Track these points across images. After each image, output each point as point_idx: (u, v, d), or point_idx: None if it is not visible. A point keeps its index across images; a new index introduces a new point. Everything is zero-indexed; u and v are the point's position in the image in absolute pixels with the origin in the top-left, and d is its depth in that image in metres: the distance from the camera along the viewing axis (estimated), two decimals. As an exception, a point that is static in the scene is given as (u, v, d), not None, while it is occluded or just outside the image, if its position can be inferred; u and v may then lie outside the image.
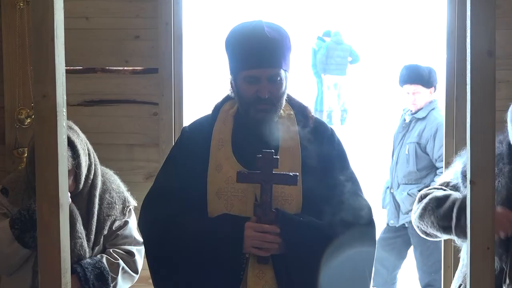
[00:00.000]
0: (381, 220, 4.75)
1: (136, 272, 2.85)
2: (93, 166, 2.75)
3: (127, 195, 2.89)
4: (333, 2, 14.76)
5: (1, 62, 3.48)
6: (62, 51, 1.86)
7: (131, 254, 2.82)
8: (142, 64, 3.50)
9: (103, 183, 2.81)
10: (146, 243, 2.34)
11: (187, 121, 3.40)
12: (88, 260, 2.69)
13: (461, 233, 2.38)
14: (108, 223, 2.78)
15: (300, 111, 2.34)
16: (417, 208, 2.59)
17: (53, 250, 1.85)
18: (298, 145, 2.26)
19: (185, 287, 2.21)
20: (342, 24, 13.05)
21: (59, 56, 1.83)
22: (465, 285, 2.52)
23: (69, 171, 2.41)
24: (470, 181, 1.78)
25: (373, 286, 4.71)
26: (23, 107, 3.47)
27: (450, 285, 2.77)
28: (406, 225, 4.56)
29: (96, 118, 3.51)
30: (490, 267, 1.78)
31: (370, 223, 2.26)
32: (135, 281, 2.90)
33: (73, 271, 2.47)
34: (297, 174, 2.17)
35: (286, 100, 2.31)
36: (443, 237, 2.55)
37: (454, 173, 2.58)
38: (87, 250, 2.70)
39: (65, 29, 1.87)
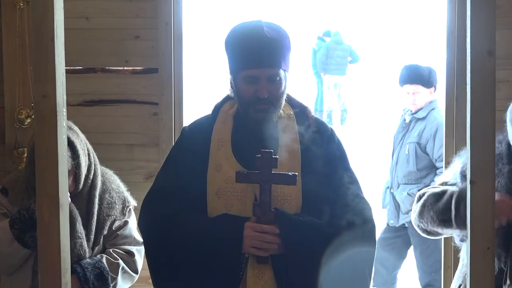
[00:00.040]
0: (381, 220, 4.75)
1: (136, 272, 2.85)
2: (92, 166, 2.75)
3: (127, 195, 2.89)
4: (333, 2, 14.76)
5: (1, 62, 3.48)
6: (62, 51, 1.86)
7: (131, 254, 2.82)
8: (142, 64, 3.50)
9: (103, 183, 2.81)
10: (146, 243, 2.34)
11: (187, 121, 3.40)
12: (88, 260, 2.69)
13: (462, 224, 2.37)
14: (108, 223, 2.78)
15: (300, 111, 2.34)
16: (416, 207, 2.59)
17: (53, 250, 1.85)
18: (298, 145, 2.26)
19: (185, 286, 2.21)
20: (342, 24, 13.05)
21: (59, 56, 1.84)
22: (465, 285, 2.52)
23: (68, 171, 2.41)
24: (470, 181, 1.78)
25: (373, 286, 4.71)
26: (23, 107, 3.47)
27: (450, 285, 2.77)
28: (406, 225, 4.56)
29: (96, 118, 3.51)
30: (490, 267, 1.78)
31: (370, 223, 2.26)
32: (135, 281, 2.90)
33: (73, 271, 2.47)
34: (296, 174, 2.17)
35: (286, 100, 2.31)
36: (444, 232, 2.53)
37: (454, 173, 2.58)
38: (87, 250, 2.70)
39: (65, 29, 1.87)
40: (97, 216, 2.75)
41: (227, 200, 2.21)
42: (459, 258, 2.74)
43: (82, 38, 3.46)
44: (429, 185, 3.71)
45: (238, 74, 2.23)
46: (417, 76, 4.58)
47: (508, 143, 2.46)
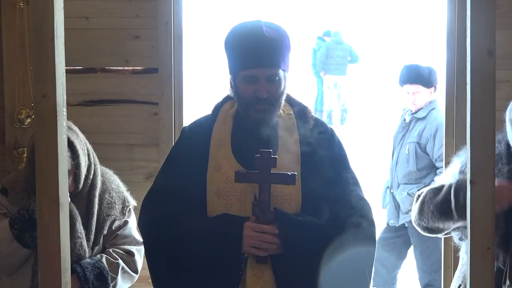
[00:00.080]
0: (381, 220, 4.76)
1: (136, 272, 2.85)
2: (92, 166, 2.75)
3: (127, 195, 2.89)
4: (333, 2, 14.76)
5: (1, 62, 3.48)
6: (62, 51, 1.85)
7: (130, 254, 2.82)
8: (142, 64, 3.50)
9: (103, 183, 2.81)
10: (145, 243, 2.34)
11: (187, 121, 3.40)
12: (88, 260, 2.69)
13: (462, 213, 2.35)
14: (108, 223, 2.78)
15: (300, 111, 2.34)
16: (416, 205, 2.59)
17: (53, 250, 1.85)
18: (298, 144, 2.26)
19: (184, 286, 2.21)
20: (342, 24, 13.06)
21: (59, 56, 1.83)
22: (465, 285, 2.52)
23: (68, 171, 2.41)
24: (470, 181, 1.78)
25: (373, 286, 4.71)
26: (23, 107, 3.47)
27: (450, 285, 2.77)
28: (406, 225, 4.56)
29: (96, 118, 3.51)
30: (490, 267, 1.78)
31: (370, 223, 2.26)
32: (135, 281, 2.90)
33: (73, 271, 2.47)
34: (295, 173, 2.17)
35: (286, 100, 2.31)
36: (445, 227, 2.50)
37: (453, 174, 2.58)
38: (86, 250, 2.70)
39: (65, 29, 1.87)
40: (97, 216, 2.75)
41: (227, 200, 2.21)
42: (459, 257, 2.73)
43: (82, 38, 3.46)
44: (429, 185, 3.71)
45: (238, 74, 2.23)
46: (417, 76, 4.58)
47: (507, 143, 2.46)
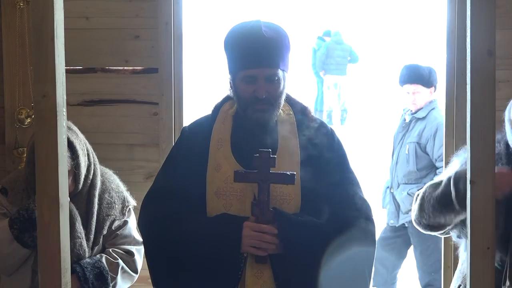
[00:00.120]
0: (381, 220, 4.76)
1: (135, 271, 2.85)
2: (92, 166, 2.75)
3: (127, 195, 2.89)
4: (333, 2, 14.76)
5: (1, 62, 3.48)
6: (62, 51, 1.85)
7: (130, 253, 2.82)
8: (142, 64, 3.50)
9: (103, 183, 2.81)
10: (145, 243, 2.34)
11: (187, 121, 3.40)
12: (88, 259, 2.69)
13: (464, 203, 2.34)
14: (108, 223, 2.78)
15: (300, 111, 2.34)
16: (416, 204, 2.58)
17: (53, 250, 1.85)
18: (297, 144, 2.26)
19: (184, 286, 2.21)
20: (342, 24, 13.05)
21: (59, 56, 1.84)
22: (465, 286, 2.52)
23: (68, 171, 2.41)
24: (470, 181, 1.78)
25: (373, 286, 4.71)
26: (23, 107, 3.47)
27: (450, 285, 2.76)
28: (406, 225, 4.56)
29: (96, 118, 3.51)
30: (490, 267, 1.78)
31: (370, 223, 2.26)
32: (135, 280, 2.90)
33: (73, 271, 2.47)
34: (295, 173, 2.17)
35: (286, 100, 2.31)
36: (447, 221, 2.47)
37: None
38: (86, 249, 2.70)
39: (65, 29, 1.87)
40: (97, 216, 2.75)
41: (226, 200, 2.21)
42: (457, 255, 2.73)
43: (82, 38, 3.46)
44: (429, 185, 3.70)
45: (237, 74, 2.23)
46: (417, 76, 4.59)
47: (507, 143, 2.46)
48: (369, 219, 2.26)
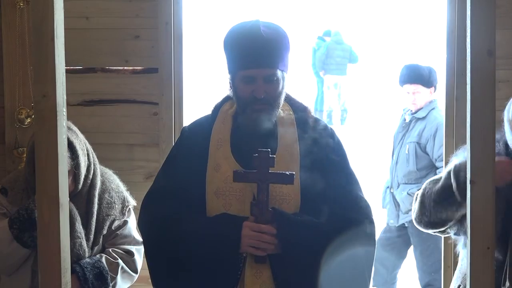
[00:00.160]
0: (381, 220, 4.76)
1: (135, 271, 2.85)
2: (92, 166, 2.75)
3: (127, 194, 2.89)
4: (333, 2, 14.76)
5: (1, 62, 3.48)
6: (62, 51, 1.86)
7: (130, 253, 2.82)
8: (142, 64, 3.50)
9: (102, 183, 2.81)
10: (145, 243, 2.34)
11: (187, 121, 3.40)
12: (87, 259, 2.69)
13: (466, 194, 2.35)
14: (108, 223, 2.78)
15: (299, 111, 2.34)
16: (416, 203, 2.57)
17: (53, 250, 1.85)
18: (297, 144, 2.26)
19: (183, 286, 2.21)
20: (342, 24, 13.05)
21: (59, 56, 1.84)
22: (464, 286, 2.52)
23: (68, 171, 2.41)
24: (470, 181, 1.78)
25: (373, 286, 4.71)
26: (23, 107, 3.47)
27: (450, 285, 2.76)
28: (406, 225, 4.56)
29: (96, 118, 3.51)
30: (490, 267, 1.78)
31: (370, 223, 2.25)
32: (135, 280, 2.90)
33: (72, 271, 2.46)
34: (294, 173, 2.16)
35: (285, 100, 2.31)
36: (449, 216, 2.47)
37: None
38: (86, 249, 2.70)
39: (65, 29, 1.87)
40: (97, 215, 2.75)
41: (226, 200, 2.21)
42: (457, 253, 2.72)
43: (82, 38, 3.46)
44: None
45: (236, 74, 2.23)
46: (417, 76, 4.59)
47: (506, 142, 2.46)
48: (369, 219, 2.26)
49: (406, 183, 4.51)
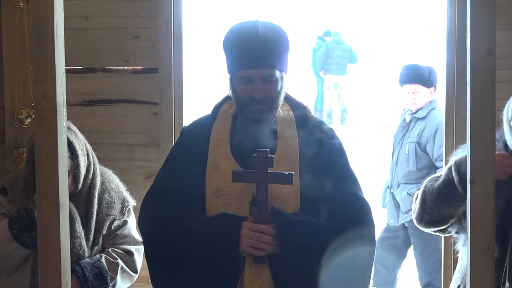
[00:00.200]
0: (381, 220, 4.76)
1: (135, 271, 2.85)
2: (92, 166, 2.75)
3: (126, 194, 2.89)
4: (333, 2, 14.76)
5: (1, 62, 3.48)
6: (62, 51, 1.86)
7: (130, 253, 2.82)
8: (142, 64, 3.50)
9: (102, 183, 2.81)
10: (145, 243, 2.34)
11: (187, 121, 3.41)
12: (87, 259, 2.69)
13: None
14: (107, 223, 2.79)
15: (299, 111, 2.34)
16: (416, 202, 2.57)
17: (53, 250, 1.85)
18: (296, 144, 2.26)
19: (183, 286, 2.21)
20: (342, 24, 13.06)
21: (59, 56, 1.84)
22: (464, 286, 2.51)
23: (67, 171, 2.41)
24: (470, 181, 1.78)
25: (373, 286, 4.71)
26: (23, 107, 3.47)
27: (450, 285, 2.76)
28: (406, 225, 4.56)
29: (96, 118, 3.52)
30: (490, 267, 1.78)
31: (370, 223, 2.25)
32: (135, 280, 2.90)
33: (72, 271, 2.46)
34: (293, 173, 2.16)
35: (285, 100, 2.31)
36: (451, 211, 2.46)
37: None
38: (86, 249, 2.70)
39: (65, 29, 1.87)
40: (96, 215, 2.75)
41: (226, 200, 2.21)
42: (457, 251, 2.72)
43: (82, 38, 3.46)
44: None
45: (234, 74, 2.23)
46: (417, 76, 4.59)
47: (505, 142, 2.46)
48: (368, 219, 2.26)
49: (406, 183, 4.51)
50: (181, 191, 2.23)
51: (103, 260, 2.74)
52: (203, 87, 8.75)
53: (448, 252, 3.45)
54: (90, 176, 2.75)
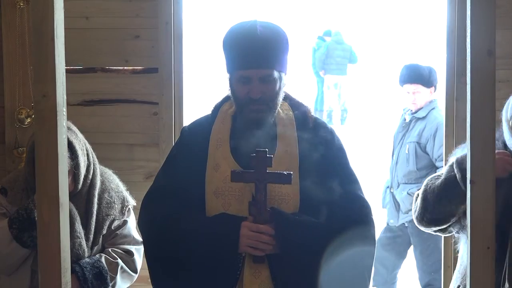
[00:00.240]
0: (381, 220, 4.76)
1: (135, 271, 2.85)
2: (91, 166, 2.75)
3: (126, 194, 2.89)
4: (333, 2, 14.76)
5: (1, 62, 3.48)
6: (62, 51, 1.86)
7: (130, 253, 2.82)
8: (142, 64, 3.50)
9: (102, 182, 2.81)
10: (145, 242, 2.34)
11: (187, 121, 3.41)
12: (87, 259, 2.69)
13: None
14: (107, 223, 2.79)
15: (299, 110, 2.34)
16: (417, 202, 2.57)
17: (53, 250, 1.85)
18: (296, 144, 2.26)
19: (183, 285, 2.21)
20: (342, 24, 13.06)
21: (59, 56, 1.84)
22: (464, 286, 2.51)
23: (67, 171, 2.41)
24: (470, 181, 1.78)
25: (373, 286, 4.71)
26: (23, 107, 3.47)
27: (449, 285, 2.76)
28: (406, 225, 4.56)
29: (96, 118, 3.52)
30: (490, 267, 1.78)
31: (370, 222, 2.25)
32: (134, 280, 2.90)
33: (72, 271, 2.46)
34: (291, 172, 2.16)
35: (285, 99, 2.31)
36: (453, 209, 2.45)
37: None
38: (85, 249, 2.70)
39: (65, 29, 1.87)
40: (96, 215, 2.75)
41: (225, 200, 2.21)
42: (458, 252, 2.72)
43: (82, 38, 3.46)
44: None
45: (233, 74, 2.23)
46: (417, 76, 4.59)
47: (504, 142, 2.47)
48: (368, 219, 2.25)
49: (406, 183, 4.51)
50: (181, 191, 2.23)
51: (103, 260, 2.74)
52: (203, 87, 8.74)
53: (448, 252, 3.45)
54: (90, 176, 2.75)
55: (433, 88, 4.62)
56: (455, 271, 2.68)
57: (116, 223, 2.82)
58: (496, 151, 2.26)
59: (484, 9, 1.74)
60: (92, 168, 2.75)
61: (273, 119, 2.26)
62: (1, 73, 3.48)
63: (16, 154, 3.48)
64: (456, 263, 2.85)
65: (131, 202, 2.90)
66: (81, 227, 2.69)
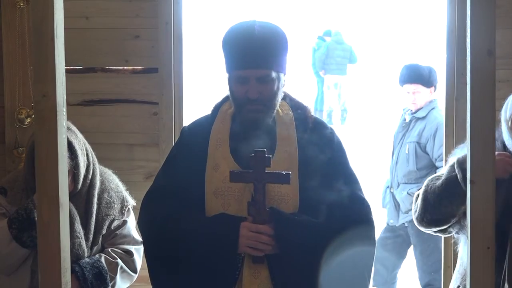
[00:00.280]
0: (381, 220, 4.76)
1: (134, 271, 2.85)
2: (91, 166, 2.75)
3: (126, 194, 2.89)
4: (333, 2, 14.77)
5: (1, 62, 3.48)
6: (62, 51, 1.86)
7: (129, 253, 2.82)
8: (142, 64, 3.50)
9: (102, 182, 2.81)
10: (144, 242, 2.34)
11: (187, 121, 3.41)
12: (87, 259, 2.69)
13: None
14: (107, 223, 2.78)
15: (299, 110, 2.33)
16: (417, 202, 2.56)
17: (53, 250, 1.85)
18: (295, 144, 2.25)
19: (182, 285, 2.21)
20: (342, 24, 13.06)
21: (59, 56, 1.84)
22: (464, 286, 2.51)
23: (67, 171, 2.41)
24: (470, 181, 1.78)
25: (373, 286, 4.71)
26: (23, 107, 3.47)
27: (449, 285, 2.76)
28: (406, 225, 4.56)
29: (96, 118, 3.52)
30: (490, 267, 1.78)
31: (369, 222, 2.25)
32: (134, 280, 2.90)
33: (72, 271, 2.46)
34: (290, 172, 2.16)
35: (285, 99, 2.31)
36: (454, 210, 2.44)
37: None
38: (85, 249, 2.70)
39: (65, 29, 1.87)
40: (96, 215, 2.75)
41: (225, 200, 2.21)
42: (457, 252, 2.72)
43: (82, 38, 3.46)
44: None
45: (231, 74, 2.23)
46: (417, 76, 4.59)
47: (503, 142, 2.47)
48: (368, 219, 2.25)
49: (406, 183, 4.51)
50: (180, 191, 2.23)
51: (102, 260, 2.74)
52: (203, 87, 8.75)
53: (448, 252, 3.45)
54: (90, 176, 2.75)
55: (433, 88, 4.62)
56: (455, 271, 2.68)
57: (115, 223, 2.82)
58: (496, 152, 2.26)
59: (484, 9, 1.74)
60: (91, 168, 2.75)
61: (272, 119, 2.25)
62: (1, 73, 3.48)
63: (16, 154, 3.48)
64: (456, 263, 2.85)
65: (131, 202, 2.89)
66: (80, 227, 2.69)
